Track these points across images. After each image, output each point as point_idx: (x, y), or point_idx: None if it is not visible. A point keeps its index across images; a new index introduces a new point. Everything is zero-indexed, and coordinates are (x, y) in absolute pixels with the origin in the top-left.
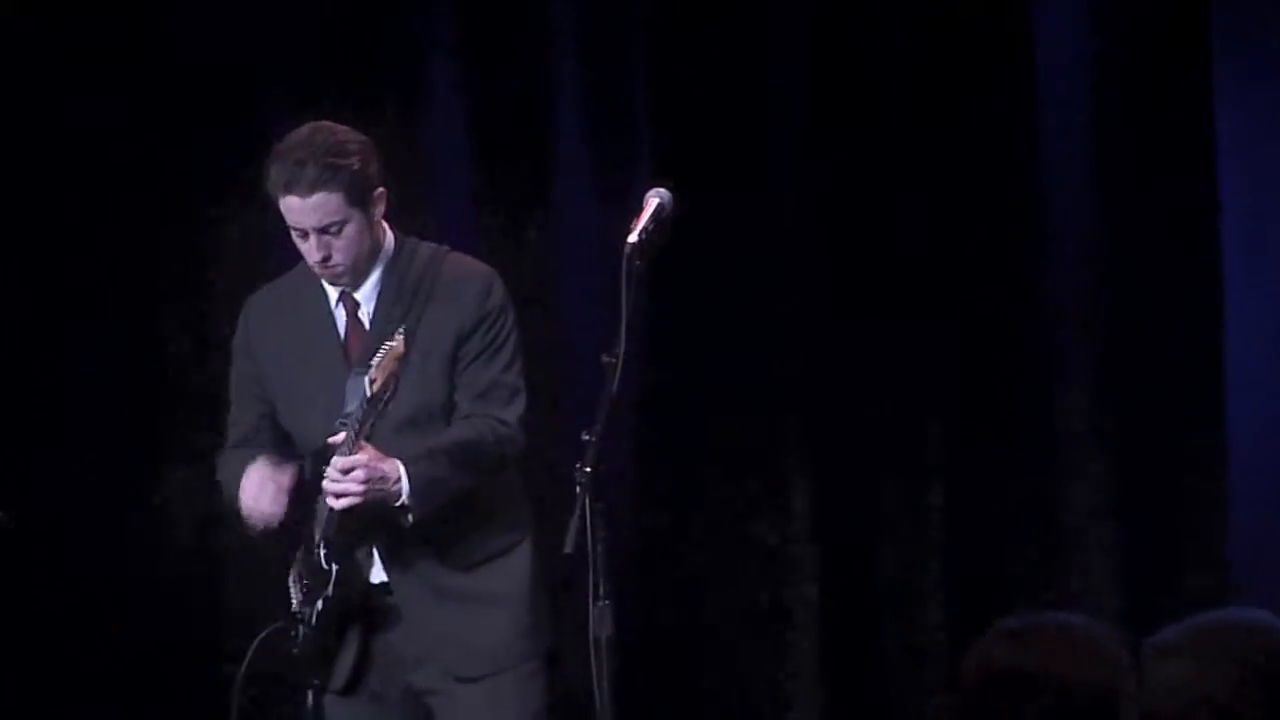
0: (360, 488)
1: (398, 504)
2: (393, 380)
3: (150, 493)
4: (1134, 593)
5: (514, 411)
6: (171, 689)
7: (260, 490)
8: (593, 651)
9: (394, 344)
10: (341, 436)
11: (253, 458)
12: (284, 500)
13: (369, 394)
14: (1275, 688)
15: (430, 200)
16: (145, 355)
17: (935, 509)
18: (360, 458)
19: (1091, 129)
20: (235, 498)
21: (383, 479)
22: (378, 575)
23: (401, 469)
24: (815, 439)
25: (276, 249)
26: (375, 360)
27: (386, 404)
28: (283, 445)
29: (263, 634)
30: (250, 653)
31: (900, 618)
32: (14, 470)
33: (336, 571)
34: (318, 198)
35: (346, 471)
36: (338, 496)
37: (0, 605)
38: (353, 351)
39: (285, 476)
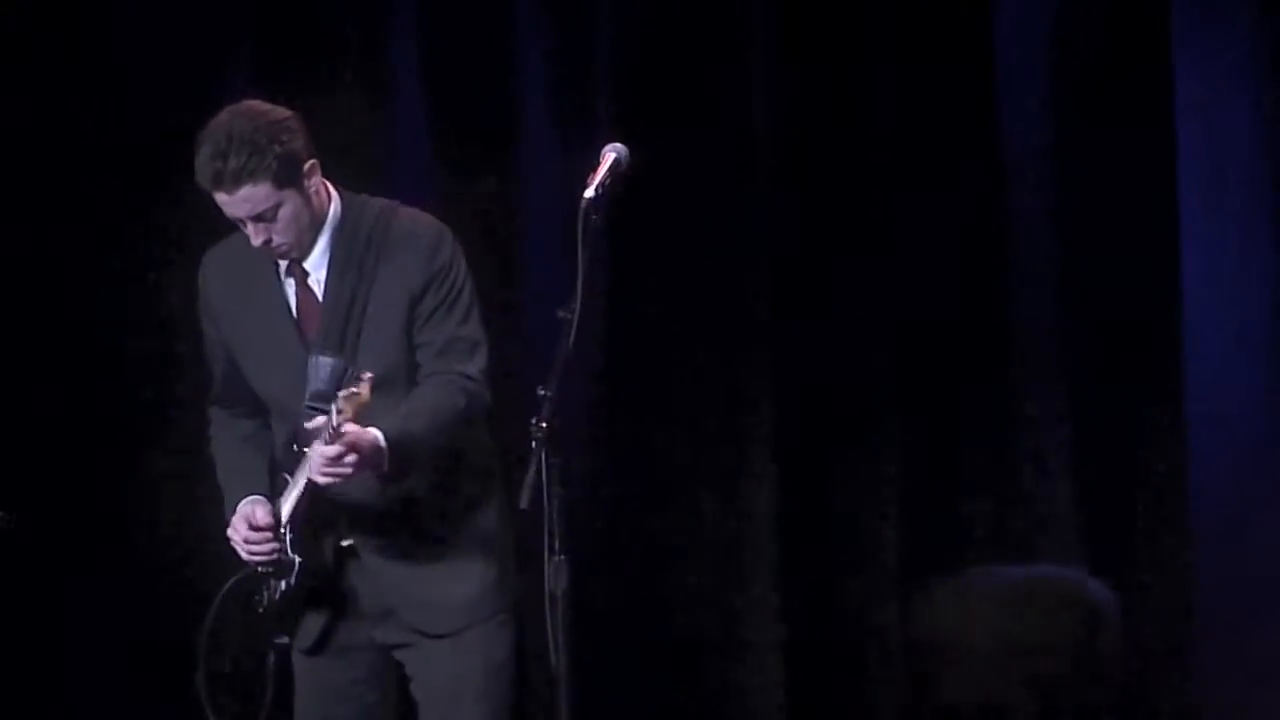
0: (350, 470)
1: (381, 473)
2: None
3: (151, 491)
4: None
5: (476, 365)
6: (170, 689)
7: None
8: (548, 606)
9: (359, 390)
10: (320, 421)
11: (238, 439)
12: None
13: (334, 423)
14: (1077, 644)
15: (390, 157)
16: (145, 354)
17: (892, 478)
18: (347, 439)
19: (1051, 99)
20: (228, 500)
21: (369, 453)
22: (345, 539)
23: (381, 439)
24: (780, 397)
25: None
26: (342, 395)
27: (348, 352)
28: (255, 402)
29: (228, 584)
30: (215, 604)
31: (859, 574)
32: (14, 470)
33: (299, 565)
34: (244, 190)
35: (336, 459)
36: (330, 478)
37: (0, 605)
38: (306, 326)
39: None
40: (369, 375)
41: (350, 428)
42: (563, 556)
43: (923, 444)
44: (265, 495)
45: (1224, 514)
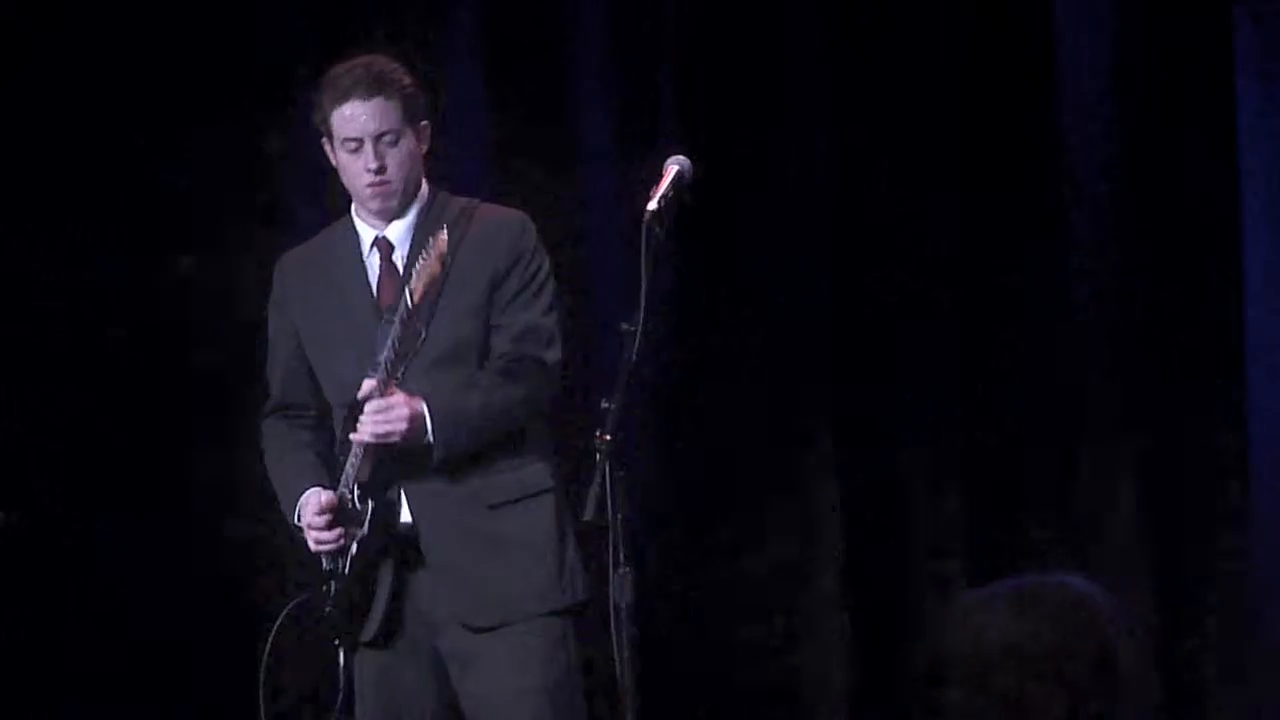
0: (403, 425)
1: (425, 442)
2: (434, 288)
3: (151, 491)
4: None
5: (553, 355)
6: (171, 688)
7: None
8: (613, 618)
9: (437, 244)
10: (372, 383)
11: (298, 449)
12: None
13: (409, 306)
14: (1080, 647)
15: (450, 172)
16: (144, 354)
17: (954, 498)
18: (397, 397)
19: (1113, 120)
20: (287, 507)
21: (414, 417)
22: (404, 517)
23: (425, 408)
24: (840, 408)
25: (286, 243)
26: (416, 267)
27: (422, 338)
28: (317, 400)
29: (286, 609)
30: (274, 631)
31: (929, 586)
32: (14, 470)
33: (372, 509)
34: (377, 101)
35: (383, 411)
36: (379, 436)
37: (0, 605)
38: (384, 297)
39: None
40: (444, 230)
41: (399, 393)
42: (627, 569)
43: (985, 465)
44: (326, 487)
45: None
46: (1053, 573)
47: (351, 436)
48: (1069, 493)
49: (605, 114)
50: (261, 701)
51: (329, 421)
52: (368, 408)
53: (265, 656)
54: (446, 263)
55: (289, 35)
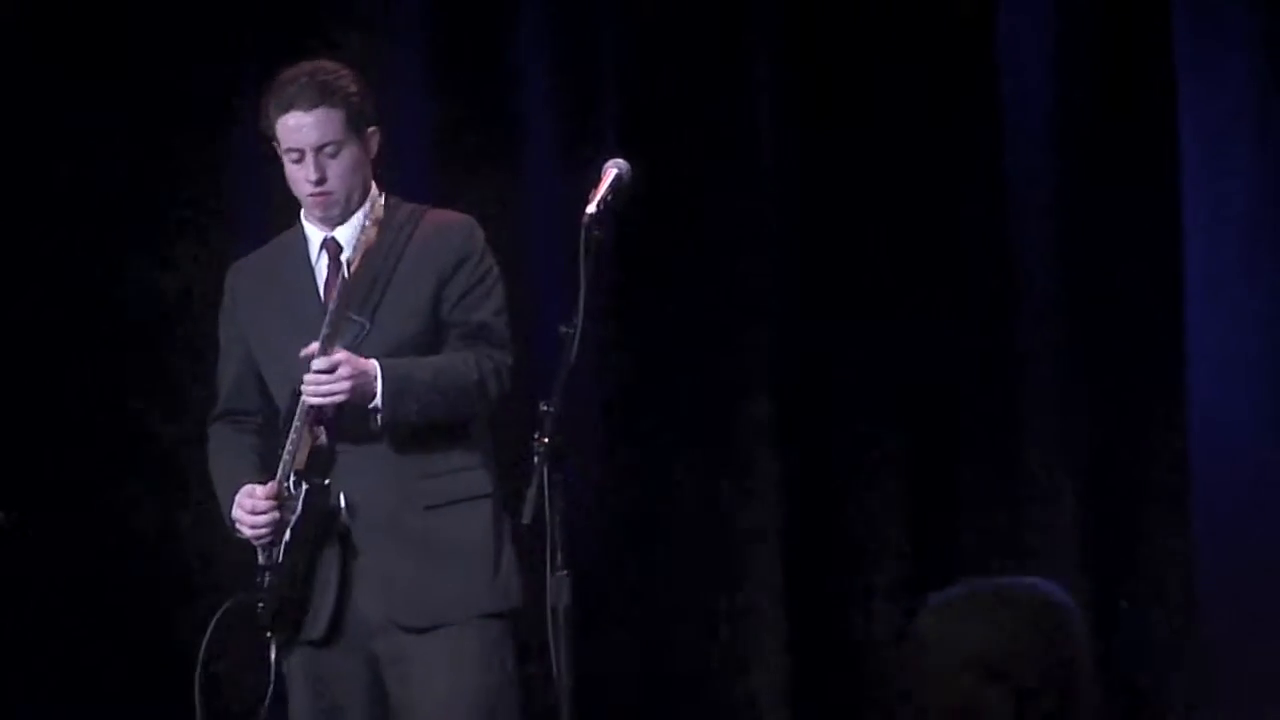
0: (346, 384)
1: (370, 405)
2: (371, 257)
3: (151, 490)
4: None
5: (503, 356)
6: (170, 689)
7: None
8: (550, 622)
9: (371, 219)
10: (313, 347)
11: (241, 451)
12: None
13: (346, 275)
14: (1045, 654)
15: (390, 169)
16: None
17: (895, 494)
18: (340, 355)
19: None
20: (225, 504)
21: (363, 373)
22: (342, 512)
23: (377, 366)
24: (780, 413)
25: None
26: (352, 240)
27: (366, 330)
28: (264, 406)
29: (219, 612)
30: (209, 632)
31: (865, 592)
32: (14, 470)
33: (305, 492)
34: (319, 113)
35: (329, 371)
36: (324, 397)
37: (0, 605)
38: (330, 298)
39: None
40: (383, 197)
41: (343, 351)
42: (565, 572)
43: (926, 462)
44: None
45: (1227, 526)
46: (1008, 575)
47: (301, 391)
48: (1010, 493)
49: (547, 116)
50: (197, 696)
51: (271, 428)
52: (313, 366)
53: (201, 652)
54: (379, 228)
55: (236, 48)
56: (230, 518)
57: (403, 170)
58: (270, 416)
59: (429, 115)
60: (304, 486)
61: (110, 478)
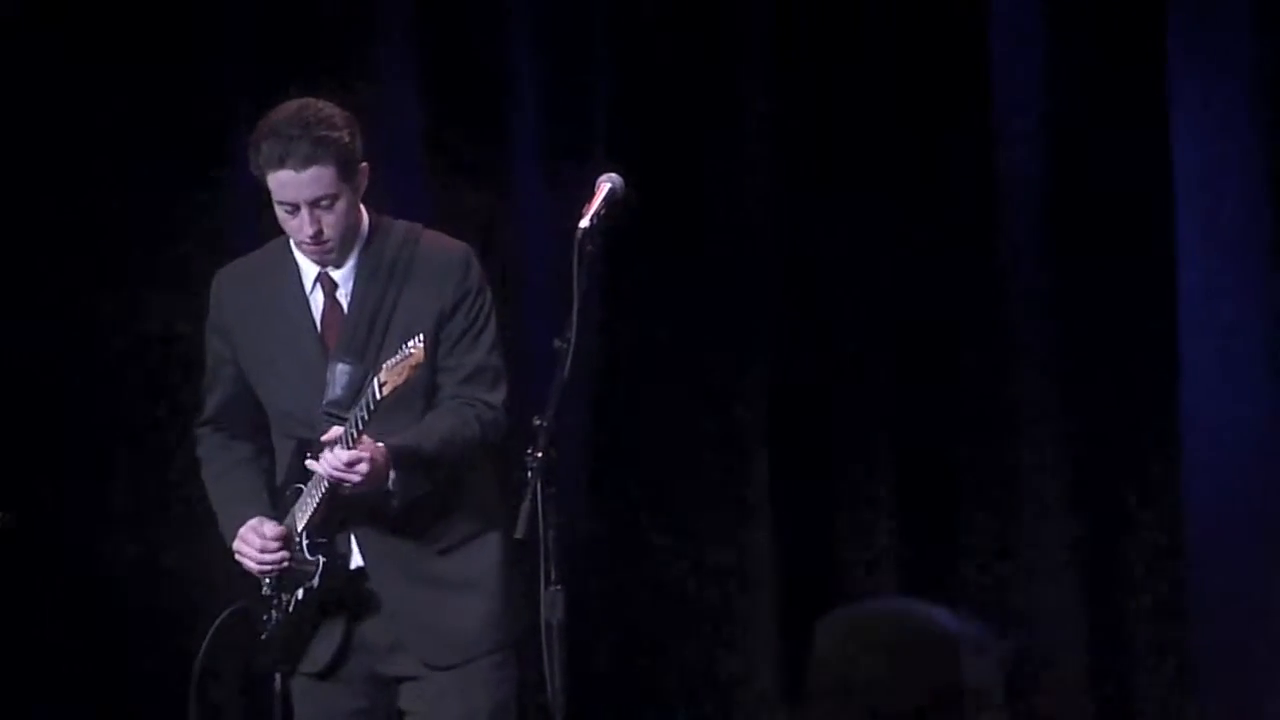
0: (359, 479)
1: (385, 489)
2: (405, 387)
3: (150, 490)
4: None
5: (499, 395)
6: (170, 688)
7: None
8: (544, 636)
9: (414, 350)
10: (337, 432)
11: (238, 462)
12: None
13: (378, 396)
14: (920, 684)
15: (383, 185)
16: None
17: (889, 528)
18: (364, 453)
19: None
20: (226, 528)
21: (379, 471)
22: (355, 561)
23: (389, 458)
24: (775, 424)
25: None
26: (390, 363)
27: (370, 358)
28: (256, 417)
29: (220, 617)
30: (208, 637)
31: (864, 598)
32: (14, 470)
33: (323, 564)
34: (312, 171)
35: (350, 465)
36: (340, 480)
37: (0, 605)
38: (329, 336)
39: (272, 531)
40: (422, 338)
41: (366, 440)
42: (558, 587)
43: (919, 470)
44: (269, 516)
45: (1219, 531)
46: (891, 599)
47: (309, 464)
48: (1003, 499)
49: (539, 129)
50: (191, 703)
51: (264, 436)
52: (339, 456)
53: (199, 659)
54: (416, 374)
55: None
56: (232, 546)
57: (395, 186)
58: (259, 427)
59: (419, 131)
60: (320, 558)
61: (110, 477)
